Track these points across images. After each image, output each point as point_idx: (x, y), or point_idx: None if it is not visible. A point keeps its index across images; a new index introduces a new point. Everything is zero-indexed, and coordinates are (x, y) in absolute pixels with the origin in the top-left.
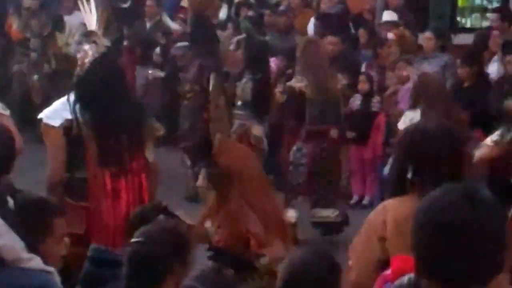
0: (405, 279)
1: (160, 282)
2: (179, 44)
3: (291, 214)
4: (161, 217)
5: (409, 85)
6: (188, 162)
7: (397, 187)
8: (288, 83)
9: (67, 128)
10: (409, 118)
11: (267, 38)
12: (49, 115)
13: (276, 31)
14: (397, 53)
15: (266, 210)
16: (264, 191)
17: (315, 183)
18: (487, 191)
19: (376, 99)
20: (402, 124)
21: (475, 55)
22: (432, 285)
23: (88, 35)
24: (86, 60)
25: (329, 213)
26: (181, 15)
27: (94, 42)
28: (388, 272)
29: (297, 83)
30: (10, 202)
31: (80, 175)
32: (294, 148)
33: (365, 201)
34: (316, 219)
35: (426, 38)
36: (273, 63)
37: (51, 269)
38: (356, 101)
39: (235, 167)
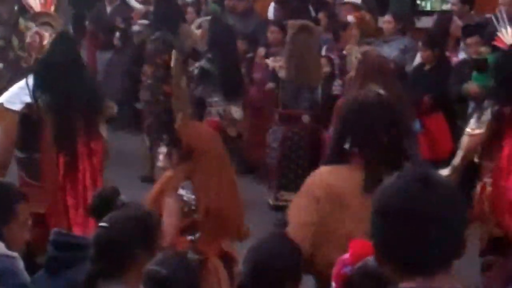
0: (367, 261)
1: (123, 268)
2: (139, 21)
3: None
4: (122, 198)
5: None
6: (148, 143)
7: (335, 156)
8: (266, 61)
9: (26, 112)
10: None
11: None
12: (9, 99)
13: (236, 14)
14: (358, 36)
15: (220, 193)
16: (224, 173)
17: (284, 166)
18: (442, 176)
19: (337, 83)
20: None
21: (436, 38)
22: (392, 270)
23: (35, 18)
24: (45, 43)
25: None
26: None
27: (48, 24)
28: (346, 256)
29: (274, 62)
30: None
31: (38, 157)
32: (270, 130)
33: None
34: (280, 203)
35: (385, 21)
36: None
37: (15, 254)
38: None
39: (197, 146)
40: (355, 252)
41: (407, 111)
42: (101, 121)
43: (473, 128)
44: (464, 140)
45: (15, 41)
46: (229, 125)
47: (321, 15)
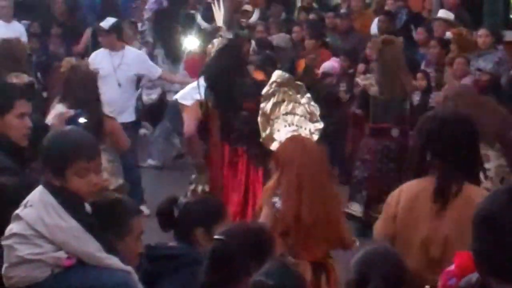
0: (473, 277)
1: (236, 281)
2: None
3: (355, 208)
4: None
5: (466, 80)
6: None
7: (416, 170)
8: (356, 80)
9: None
10: None
11: (328, 39)
12: (183, 96)
13: (337, 32)
14: (455, 51)
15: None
16: (310, 185)
17: (376, 178)
18: None
19: (434, 95)
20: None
21: None
22: (498, 283)
23: (216, 31)
24: (212, 50)
25: None
26: None
27: (220, 36)
28: (452, 267)
29: (364, 80)
30: (87, 206)
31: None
32: (360, 144)
33: None
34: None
35: (482, 35)
36: (337, 63)
37: (130, 268)
38: (415, 98)
39: (280, 156)
40: (461, 264)
41: (507, 122)
42: None
43: None
44: None
45: None
46: None
47: (419, 31)
